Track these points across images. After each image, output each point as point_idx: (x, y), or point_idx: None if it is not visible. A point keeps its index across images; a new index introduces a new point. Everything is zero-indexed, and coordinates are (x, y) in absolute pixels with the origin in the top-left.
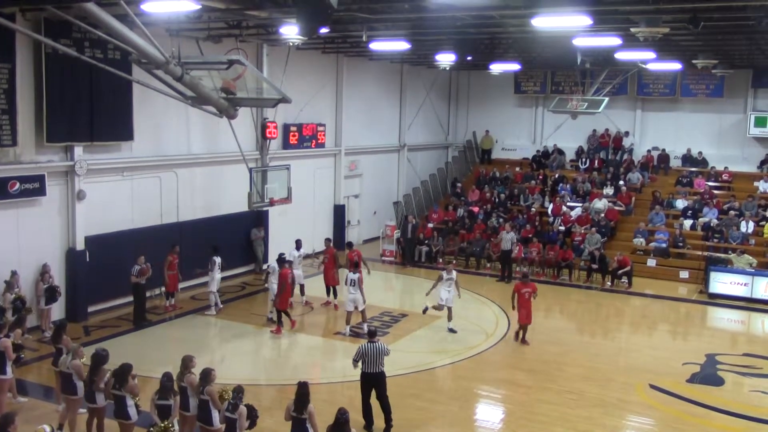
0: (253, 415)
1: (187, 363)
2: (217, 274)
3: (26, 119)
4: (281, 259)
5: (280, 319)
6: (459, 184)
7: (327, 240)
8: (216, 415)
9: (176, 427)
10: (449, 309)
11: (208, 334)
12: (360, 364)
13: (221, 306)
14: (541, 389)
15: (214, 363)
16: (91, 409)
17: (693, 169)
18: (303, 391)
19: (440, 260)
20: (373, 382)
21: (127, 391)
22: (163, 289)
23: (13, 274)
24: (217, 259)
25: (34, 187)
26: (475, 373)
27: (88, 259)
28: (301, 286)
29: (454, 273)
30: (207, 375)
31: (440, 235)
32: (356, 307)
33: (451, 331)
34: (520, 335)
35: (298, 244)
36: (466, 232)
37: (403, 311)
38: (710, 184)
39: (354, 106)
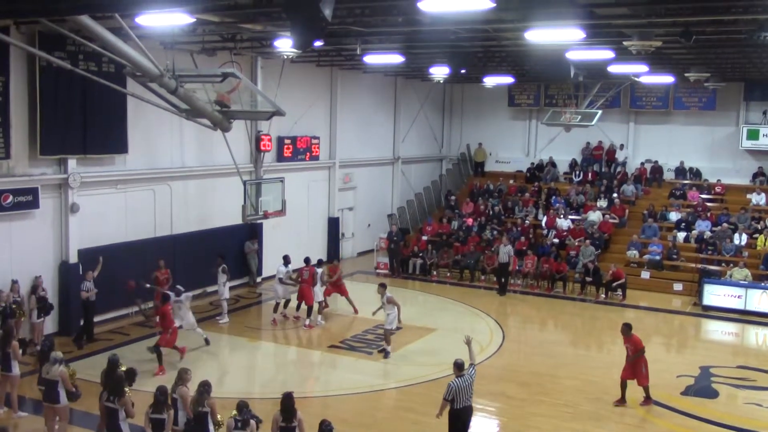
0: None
1: (182, 375)
2: (226, 283)
3: (20, 132)
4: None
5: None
6: (453, 197)
7: (306, 259)
8: (212, 429)
9: None
10: (386, 333)
11: (202, 348)
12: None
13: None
14: (536, 402)
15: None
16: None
17: (686, 181)
18: (289, 402)
19: (434, 273)
20: (464, 418)
21: (120, 405)
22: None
23: (14, 282)
24: (223, 268)
25: (27, 199)
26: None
27: (81, 272)
28: (287, 301)
29: (387, 296)
30: (206, 385)
31: (434, 247)
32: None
33: (385, 354)
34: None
35: (287, 260)
36: (460, 245)
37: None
38: (703, 196)
39: (348, 118)
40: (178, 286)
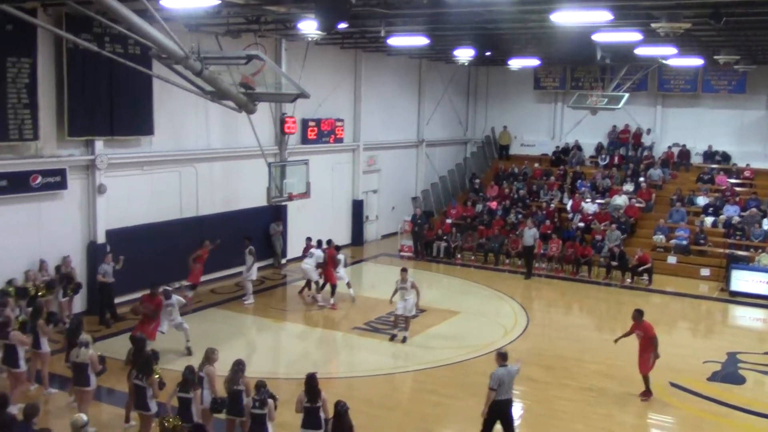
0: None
1: (209, 355)
2: (254, 265)
3: (48, 114)
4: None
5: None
6: (477, 180)
7: (328, 241)
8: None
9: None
10: (406, 319)
11: (227, 328)
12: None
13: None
14: (560, 386)
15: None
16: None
17: (714, 165)
18: (313, 382)
19: (458, 256)
20: (504, 410)
21: (148, 384)
22: (185, 282)
23: (42, 262)
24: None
25: (55, 180)
26: (492, 368)
27: (111, 252)
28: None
29: (410, 280)
30: (240, 364)
31: (458, 230)
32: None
33: (404, 340)
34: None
35: (320, 244)
36: (484, 228)
37: (421, 306)
38: (732, 181)
39: (372, 101)
40: (166, 287)
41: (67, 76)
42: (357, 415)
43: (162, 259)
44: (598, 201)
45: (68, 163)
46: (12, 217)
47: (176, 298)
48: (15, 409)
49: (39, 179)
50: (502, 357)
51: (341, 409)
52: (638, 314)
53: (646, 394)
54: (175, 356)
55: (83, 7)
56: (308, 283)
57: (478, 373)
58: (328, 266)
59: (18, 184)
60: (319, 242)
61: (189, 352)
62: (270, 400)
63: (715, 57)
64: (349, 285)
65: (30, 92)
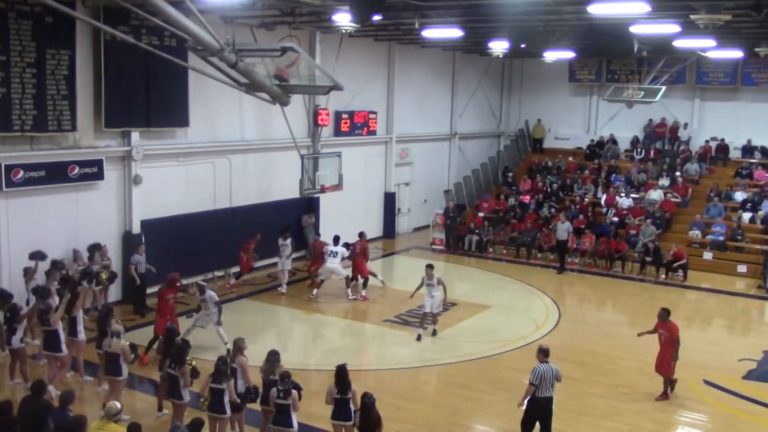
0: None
1: (239, 345)
2: (290, 255)
3: (85, 105)
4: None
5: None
6: (510, 173)
7: (361, 233)
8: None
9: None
10: (433, 315)
11: (259, 319)
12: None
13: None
14: (592, 382)
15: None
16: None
17: (753, 160)
18: (343, 374)
19: (490, 250)
20: (544, 409)
21: (180, 374)
22: (233, 270)
23: (76, 252)
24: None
25: (92, 171)
26: (524, 364)
27: (143, 242)
28: (346, 279)
29: (436, 277)
30: (275, 354)
31: (490, 224)
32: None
33: (434, 333)
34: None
35: (336, 240)
36: (517, 222)
37: (452, 300)
38: None
39: (405, 93)
40: (201, 282)
41: (105, 68)
42: (386, 408)
43: (196, 249)
44: (633, 195)
45: (105, 154)
46: (50, 207)
47: (210, 294)
48: (53, 393)
49: (76, 170)
50: (543, 353)
51: (368, 401)
52: (665, 313)
53: (664, 396)
54: (209, 347)
55: None
56: (351, 278)
57: (508, 368)
58: (359, 258)
59: (56, 174)
60: (336, 238)
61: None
62: (294, 391)
63: (756, 49)
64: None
65: (68, 84)
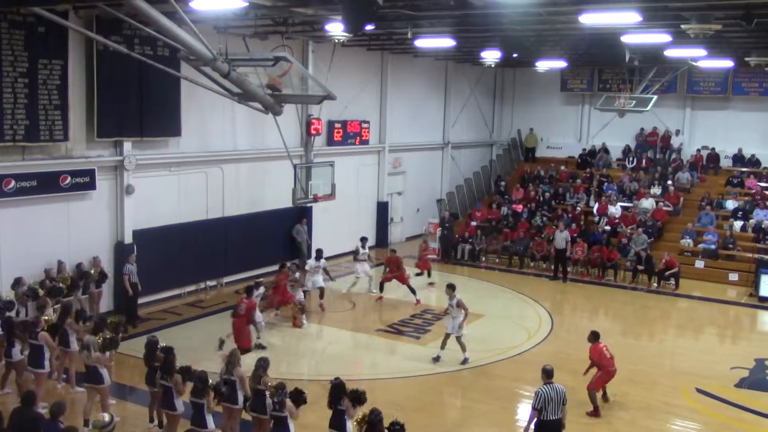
0: (301, 399)
1: (231, 359)
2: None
3: (78, 115)
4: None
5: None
6: (503, 182)
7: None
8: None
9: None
10: (458, 339)
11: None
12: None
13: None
14: (585, 390)
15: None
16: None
17: (744, 169)
18: (338, 388)
19: (483, 259)
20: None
21: (173, 383)
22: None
23: (60, 263)
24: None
25: (84, 181)
26: (517, 373)
27: (135, 252)
28: (321, 290)
29: (456, 298)
30: (263, 361)
31: (483, 233)
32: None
33: (464, 361)
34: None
35: (319, 254)
36: (509, 231)
37: (445, 309)
38: (762, 184)
39: (398, 103)
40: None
41: (97, 77)
42: None
43: (188, 259)
44: (625, 204)
45: (97, 164)
46: (42, 217)
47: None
48: (40, 408)
49: (68, 179)
50: (546, 374)
51: (374, 418)
52: (593, 336)
53: (595, 413)
54: (202, 354)
55: (114, 9)
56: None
57: (501, 377)
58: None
59: (48, 184)
60: (319, 252)
61: (261, 346)
62: (288, 401)
63: (746, 59)
64: (321, 294)
65: (61, 93)
